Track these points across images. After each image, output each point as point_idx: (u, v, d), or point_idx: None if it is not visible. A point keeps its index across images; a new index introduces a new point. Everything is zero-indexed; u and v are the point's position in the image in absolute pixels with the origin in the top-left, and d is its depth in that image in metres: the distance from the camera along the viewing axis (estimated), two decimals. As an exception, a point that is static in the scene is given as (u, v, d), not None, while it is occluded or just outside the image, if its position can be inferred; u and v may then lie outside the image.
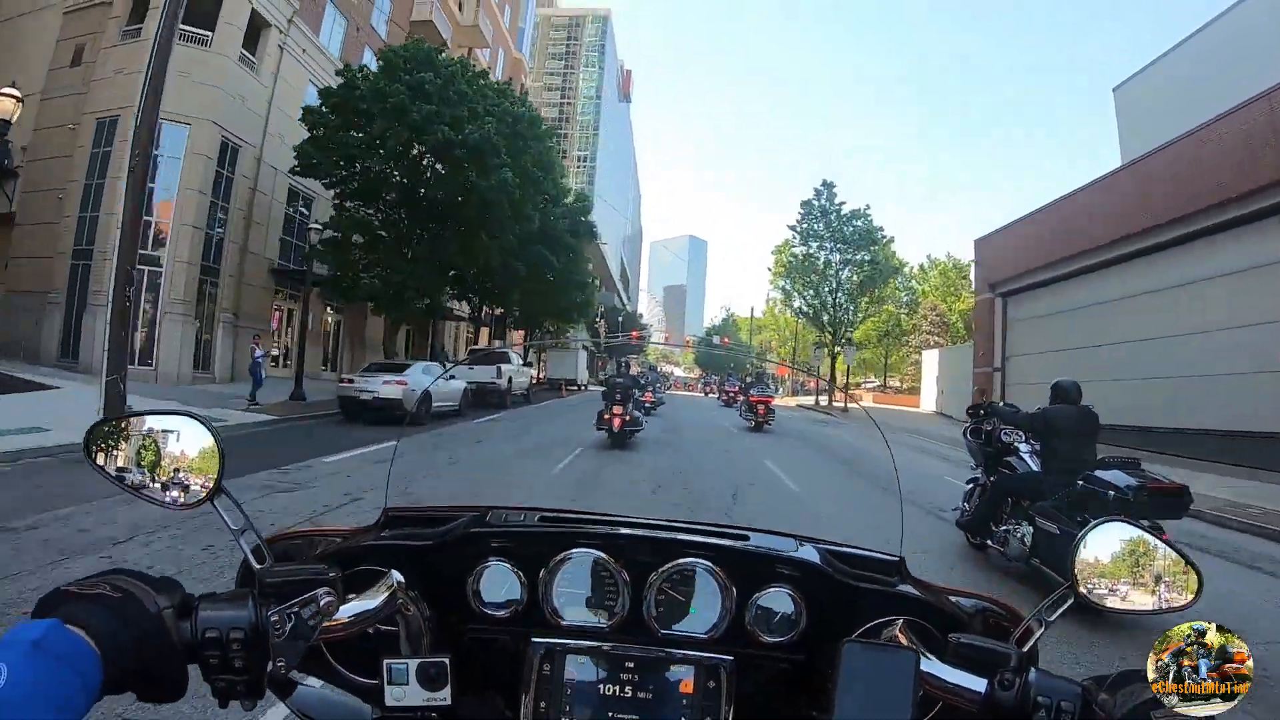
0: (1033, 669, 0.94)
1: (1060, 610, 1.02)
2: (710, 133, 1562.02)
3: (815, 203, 46.30)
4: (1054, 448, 6.68)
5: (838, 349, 45.70)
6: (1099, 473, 6.15)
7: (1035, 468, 7.00)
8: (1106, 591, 1.03)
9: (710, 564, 1.27)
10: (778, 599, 1.27)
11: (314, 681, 1.22)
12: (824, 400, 49.27)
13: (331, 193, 26.22)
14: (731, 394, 38.85)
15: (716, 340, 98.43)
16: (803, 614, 1.26)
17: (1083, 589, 1.02)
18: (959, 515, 8.10)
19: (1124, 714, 0.85)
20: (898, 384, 64.15)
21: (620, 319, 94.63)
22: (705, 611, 1.27)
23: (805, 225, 46.36)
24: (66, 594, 0.79)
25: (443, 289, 27.35)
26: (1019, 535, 6.75)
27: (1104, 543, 1.04)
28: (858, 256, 45.45)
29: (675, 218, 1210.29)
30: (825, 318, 46.40)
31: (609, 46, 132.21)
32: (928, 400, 49.37)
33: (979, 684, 0.95)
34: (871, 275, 44.46)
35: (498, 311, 44.51)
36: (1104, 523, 1.06)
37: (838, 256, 45.71)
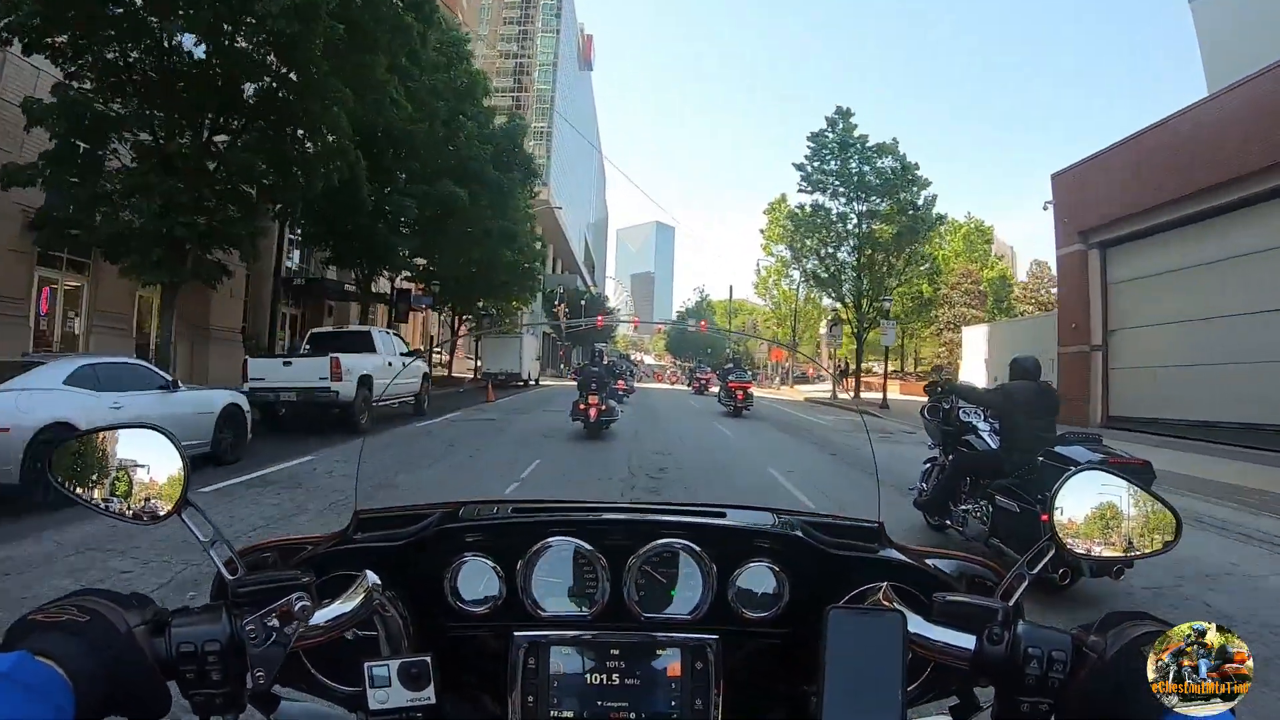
0: (1020, 622, 0.95)
1: (1042, 562, 1.02)
2: (681, 106, 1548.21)
3: (828, 135, 35.26)
4: (1014, 424, 6.52)
5: (868, 324, 34.86)
6: (1060, 448, 5.96)
7: (994, 446, 6.82)
8: (1086, 540, 1.03)
9: (688, 543, 1.25)
10: (759, 573, 1.25)
11: (298, 696, 1.19)
12: (829, 392, 38.64)
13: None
14: (703, 380, 37.49)
15: (692, 324, 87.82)
16: (785, 587, 1.24)
17: (1062, 538, 1.02)
18: (916, 495, 7.79)
19: (1115, 652, 0.85)
20: (918, 368, 53.35)
21: (584, 302, 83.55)
22: (687, 592, 1.24)
23: (815, 165, 35.36)
24: (34, 623, 0.78)
25: (253, 228, 15.91)
26: (978, 515, 6.64)
27: (1081, 492, 1.03)
28: (882, 204, 34.62)
29: (642, 203, 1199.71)
30: (846, 285, 35.49)
31: (567, 6, 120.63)
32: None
33: (968, 641, 0.95)
34: (912, 225, 33.55)
35: (406, 283, 33.52)
36: (1080, 471, 1.05)
37: (862, 206, 34.76)
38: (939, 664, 1.01)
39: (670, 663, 1.17)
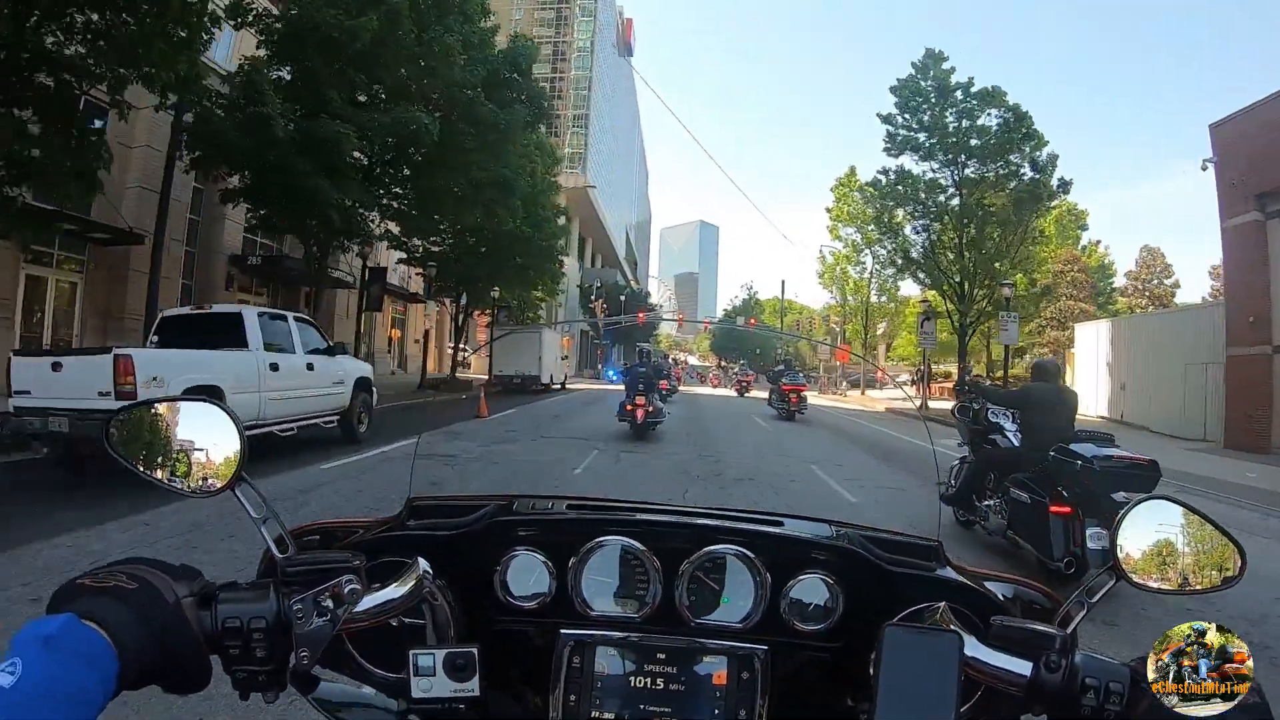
0: (1078, 651, 0.93)
1: (1102, 592, 1.00)
2: (729, 97, 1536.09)
3: (921, 83, 28.03)
4: (1032, 423, 6.80)
5: (973, 318, 27.97)
6: (1072, 445, 6.15)
7: (1017, 444, 7.09)
8: (1148, 570, 1.01)
9: (744, 551, 1.24)
10: (813, 586, 1.23)
11: (336, 676, 1.18)
12: (908, 399, 31.73)
13: None
14: (745, 382, 36.89)
15: (740, 322, 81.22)
16: (839, 601, 1.23)
17: (1125, 568, 1.00)
18: (943, 490, 7.94)
19: None
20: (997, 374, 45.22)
21: (623, 297, 77.28)
22: (739, 600, 1.23)
23: (904, 119, 28.30)
24: (82, 586, 0.78)
25: (86, 158, 10.06)
26: (998, 510, 6.88)
27: (1144, 521, 1.01)
28: (987, 168, 27.30)
29: (686, 202, 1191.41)
30: (944, 268, 28.20)
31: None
32: (1086, 400, 32.22)
33: (1024, 667, 0.94)
34: (1032, 191, 26.43)
35: (403, 265, 27.86)
36: (1143, 500, 1.03)
37: (963, 170, 27.63)
38: (989, 689, 0.99)
39: (716, 670, 1.16)
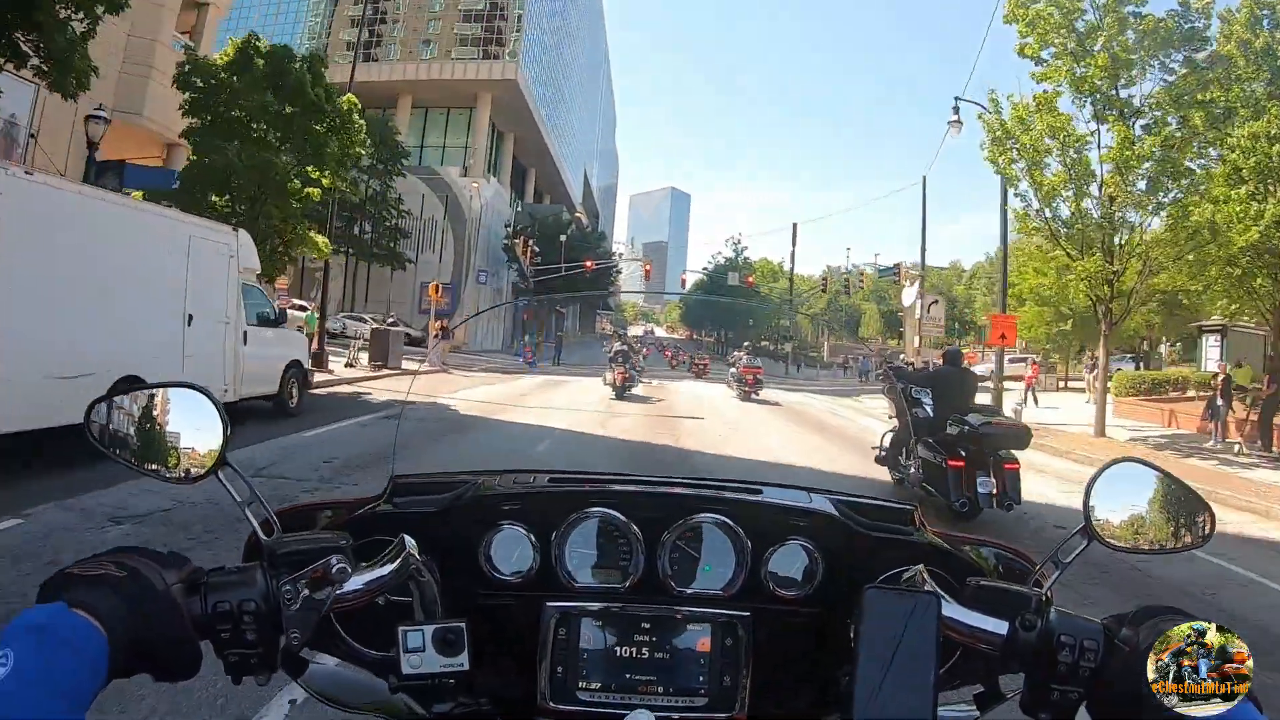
0: (1053, 610, 0.94)
1: (1076, 552, 1.00)
2: (713, 55, 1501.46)
3: None
4: (940, 398, 8.33)
5: None
6: (967, 416, 7.69)
7: (932, 414, 8.31)
8: (1120, 531, 1.01)
9: (725, 519, 1.24)
10: (793, 552, 1.23)
11: (326, 659, 1.18)
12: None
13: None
14: (702, 366, 37.36)
15: (734, 279, 58.90)
16: (819, 566, 1.23)
17: (1097, 529, 1.00)
18: (877, 454, 9.44)
19: (1147, 647, 0.83)
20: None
21: (564, 238, 53.25)
22: (720, 568, 1.23)
23: None
24: (70, 576, 0.78)
25: None
26: (915, 467, 8.27)
27: (1116, 482, 1.01)
28: None
29: (656, 167, 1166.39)
30: None
31: None
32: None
33: (1000, 626, 0.94)
34: None
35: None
36: (1115, 463, 1.03)
37: None
38: (967, 650, 1.00)
39: (701, 638, 1.16)
